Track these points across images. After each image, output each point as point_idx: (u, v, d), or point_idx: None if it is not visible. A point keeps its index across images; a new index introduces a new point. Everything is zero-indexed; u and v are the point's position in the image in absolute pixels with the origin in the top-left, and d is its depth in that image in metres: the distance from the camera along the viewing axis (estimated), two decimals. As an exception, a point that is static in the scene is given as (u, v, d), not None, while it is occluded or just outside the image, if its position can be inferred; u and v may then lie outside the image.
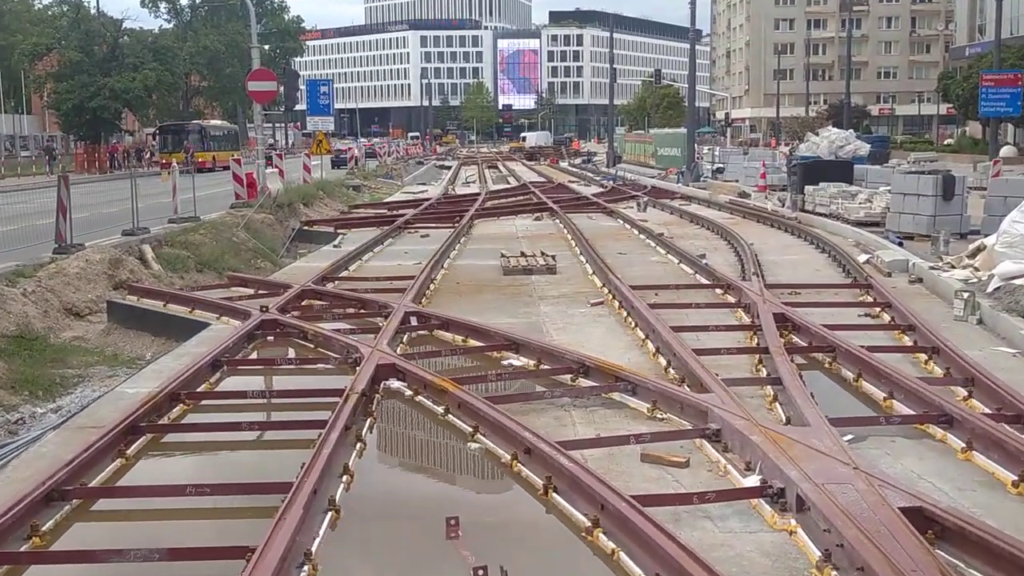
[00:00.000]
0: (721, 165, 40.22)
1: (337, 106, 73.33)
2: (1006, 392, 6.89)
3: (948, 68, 68.43)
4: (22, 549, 5.07)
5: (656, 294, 11.81)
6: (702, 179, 36.38)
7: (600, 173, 49.11)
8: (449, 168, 58.46)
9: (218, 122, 63.71)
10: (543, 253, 15.33)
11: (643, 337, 9.39)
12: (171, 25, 74.71)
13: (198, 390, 7.95)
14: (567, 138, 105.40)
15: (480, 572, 4.51)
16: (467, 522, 5.15)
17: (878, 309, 10.75)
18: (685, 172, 37.22)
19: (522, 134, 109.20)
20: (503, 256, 15.18)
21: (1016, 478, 5.66)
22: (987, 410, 6.83)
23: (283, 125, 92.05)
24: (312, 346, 9.44)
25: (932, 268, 12.94)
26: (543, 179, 42.84)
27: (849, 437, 6.34)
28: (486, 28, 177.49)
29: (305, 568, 4.63)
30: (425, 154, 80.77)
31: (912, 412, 6.91)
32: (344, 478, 5.83)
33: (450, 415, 7.06)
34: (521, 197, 30.47)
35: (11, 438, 8.38)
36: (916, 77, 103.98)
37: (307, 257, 17.78)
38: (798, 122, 72.02)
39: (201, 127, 54.27)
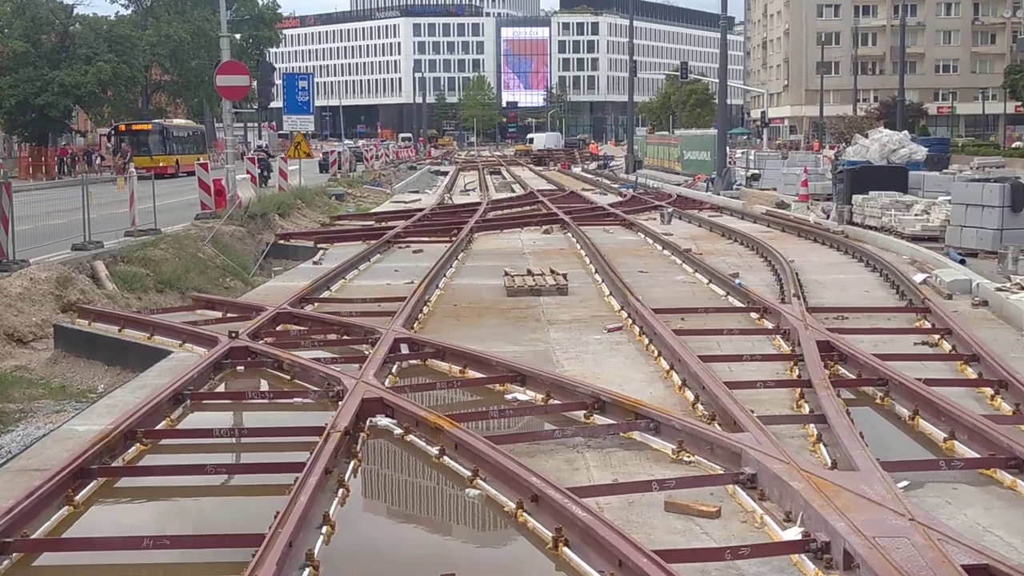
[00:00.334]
0: (756, 171, 40.27)
1: (318, 103, 73.76)
2: (1085, 432, 6.88)
3: (1016, 61, 68.77)
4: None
5: (682, 319, 11.82)
6: (735, 187, 36.39)
7: (618, 180, 49.18)
8: (446, 174, 58.59)
9: (182, 121, 64.04)
10: (553, 271, 15.35)
11: (667, 368, 9.39)
12: (129, 11, 75.16)
13: (158, 428, 7.96)
14: (580, 140, 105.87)
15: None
16: (465, 580, 5.14)
17: (937, 336, 10.75)
18: (715, 179, 37.26)
19: (529, 135, 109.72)
20: (507, 274, 15.20)
21: (1097, 531, 5.63)
22: (1063, 453, 6.82)
23: (256, 125, 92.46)
24: (288, 377, 9.45)
25: (999, 289, 12.92)
26: (553, 186, 42.91)
27: (904, 483, 6.33)
28: (488, 15, 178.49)
29: (279, 633, 4.62)
30: (418, 158, 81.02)
31: (977, 455, 6.90)
32: (324, 529, 5.82)
33: (446, 457, 7.05)
34: (528, 207, 30.54)
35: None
36: (979, 71, 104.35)
37: (283, 275, 17.81)
38: (844, 122, 72.25)
39: (163, 127, 54.58)
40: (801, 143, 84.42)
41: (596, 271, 16.02)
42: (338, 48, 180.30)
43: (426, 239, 21.41)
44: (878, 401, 8.44)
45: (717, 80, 43.56)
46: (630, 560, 4.96)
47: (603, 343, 10.88)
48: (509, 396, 8.73)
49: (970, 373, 9.28)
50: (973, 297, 13.21)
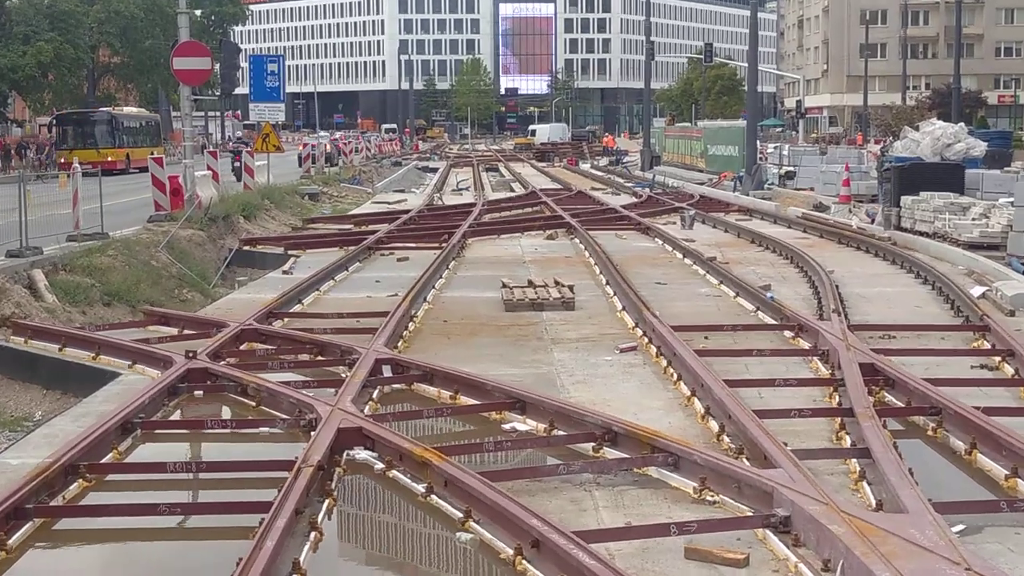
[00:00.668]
0: (791, 168, 40.29)
1: (289, 90, 73.86)
2: None
3: (1089, 43, 68.90)
4: None
5: (706, 337, 11.82)
6: (766, 186, 36.43)
7: (632, 178, 49.27)
8: (435, 170, 58.67)
9: (134, 110, 64.18)
10: (558, 283, 15.37)
11: (688, 394, 9.40)
12: (74, -17, 75.47)
13: (103, 461, 7.95)
14: (589, 132, 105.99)
15: None
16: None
17: (998, 359, 10.76)
18: (744, 177, 37.30)
19: (531, 127, 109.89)
20: (505, 286, 15.22)
21: None
22: None
23: (219, 114, 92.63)
24: (253, 404, 9.45)
25: (1069, 305, 12.92)
26: (558, 185, 42.95)
27: (960, 527, 6.33)
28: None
29: None
30: (404, 152, 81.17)
31: (1043, 495, 6.90)
32: (294, 578, 5.81)
33: (434, 495, 7.05)
34: (529, 209, 30.59)
35: None
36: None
37: (248, 286, 17.81)
38: (892, 113, 72.30)
39: (112, 116, 54.65)
40: (842, 136, 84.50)
41: (607, 283, 16.03)
42: (312, 27, 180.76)
43: (412, 245, 21.42)
44: (930, 433, 8.45)
45: (746, 64, 43.59)
46: (645, 615, 4.95)
47: (615, 365, 10.88)
48: (507, 426, 8.73)
49: (1036, 401, 9.29)
50: (1039, 313, 13.22)
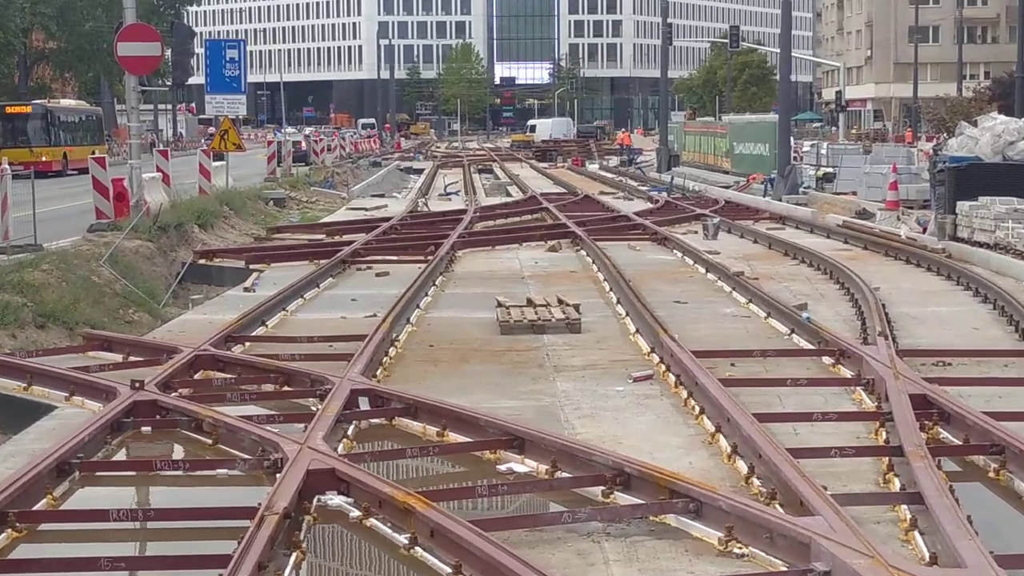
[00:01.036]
0: (830, 170, 40.42)
1: (252, 79, 73.94)
2: None
3: None
4: None
5: (732, 364, 11.84)
6: (801, 190, 36.53)
7: (647, 180, 49.38)
8: (420, 172, 58.73)
9: (73, 102, 64.24)
10: (561, 301, 15.36)
11: (712, 430, 9.40)
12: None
13: (36, 508, 7.92)
14: (597, 128, 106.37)
15: None
16: None
17: (1070, 389, 10.76)
18: (776, 180, 37.42)
19: (530, 122, 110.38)
20: (501, 305, 15.21)
21: None
22: None
23: (170, 108, 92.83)
24: (210, 441, 9.42)
25: None
26: (561, 189, 42.99)
27: (1026, 584, 6.32)
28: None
29: None
30: (384, 151, 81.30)
31: (1122, 546, 6.90)
32: (256, 644, 5.81)
33: (418, 547, 7.03)
34: (528, 216, 30.65)
35: None
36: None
37: (204, 306, 17.81)
38: (946, 106, 72.65)
39: (46, 110, 54.73)
40: (889, 133, 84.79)
41: (618, 301, 16.04)
42: (278, 7, 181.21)
43: (394, 258, 21.43)
44: (992, 475, 8.44)
45: (778, 50, 43.73)
46: None
47: (627, 397, 10.87)
48: (503, 467, 8.70)
49: (1113, 438, 9.27)
50: (1117, 337, 13.23)
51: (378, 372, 11.72)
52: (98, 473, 8.85)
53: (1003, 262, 19.48)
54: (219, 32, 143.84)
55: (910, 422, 8.91)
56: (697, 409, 10.06)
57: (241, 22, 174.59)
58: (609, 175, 54.65)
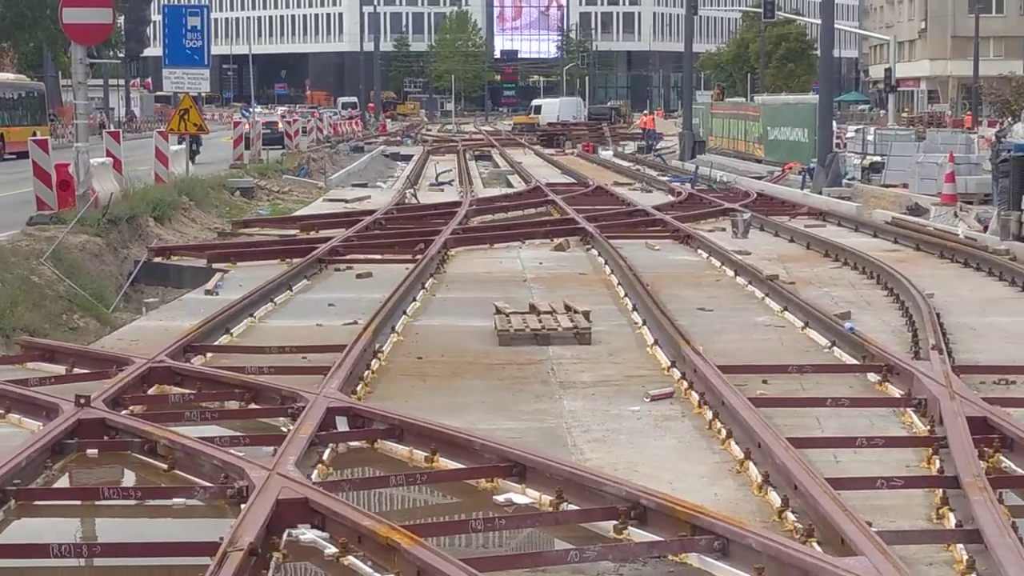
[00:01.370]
0: (878, 159, 40.48)
1: (216, 51, 73.93)
2: None
3: None
4: None
5: (764, 381, 11.80)
6: (845, 182, 36.54)
7: (668, 170, 49.40)
8: (408, 158, 58.74)
9: (11, 76, 64.28)
10: (569, 308, 15.35)
11: (741, 456, 9.38)
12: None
13: (-36, 542, 7.91)
14: (612, 109, 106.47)
15: None
16: None
17: None
18: (816, 170, 37.41)
19: (534, 102, 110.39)
20: (500, 312, 15.20)
21: None
22: None
23: (122, 83, 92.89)
24: (165, 466, 9.39)
25: None
26: (570, 179, 42.98)
27: (1101, 636, 6.30)
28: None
29: None
30: (367, 134, 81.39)
31: None
32: None
33: (403, 590, 7.01)
34: (532, 210, 30.62)
35: None
36: None
37: (160, 310, 17.78)
38: (1011, 86, 72.74)
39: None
40: (946, 117, 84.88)
41: (634, 308, 16.00)
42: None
43: (377, 257, 21.41)
44: (1061, 509, 8.41)
45: (819, 22, 43.77)
46: None
47: (644, 418, 10.85)
48: (501, 498, 8.69)
49: None
50: None
51: (359, 388, 11.69)
52: (37, 502, 8.82)
53: (1075, 265, 19.47)
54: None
55: (967, 449, 8.87)
56: (724, 432, 10.03)
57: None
58: (625, 163, 54.71)
